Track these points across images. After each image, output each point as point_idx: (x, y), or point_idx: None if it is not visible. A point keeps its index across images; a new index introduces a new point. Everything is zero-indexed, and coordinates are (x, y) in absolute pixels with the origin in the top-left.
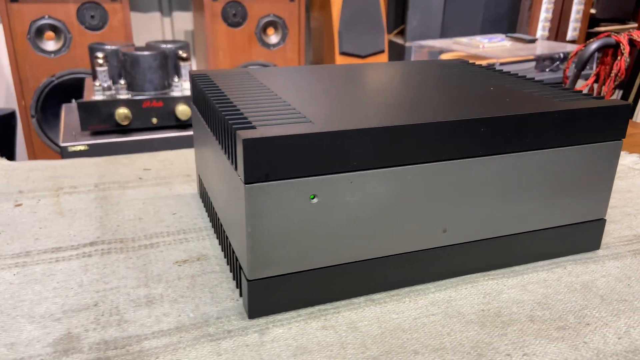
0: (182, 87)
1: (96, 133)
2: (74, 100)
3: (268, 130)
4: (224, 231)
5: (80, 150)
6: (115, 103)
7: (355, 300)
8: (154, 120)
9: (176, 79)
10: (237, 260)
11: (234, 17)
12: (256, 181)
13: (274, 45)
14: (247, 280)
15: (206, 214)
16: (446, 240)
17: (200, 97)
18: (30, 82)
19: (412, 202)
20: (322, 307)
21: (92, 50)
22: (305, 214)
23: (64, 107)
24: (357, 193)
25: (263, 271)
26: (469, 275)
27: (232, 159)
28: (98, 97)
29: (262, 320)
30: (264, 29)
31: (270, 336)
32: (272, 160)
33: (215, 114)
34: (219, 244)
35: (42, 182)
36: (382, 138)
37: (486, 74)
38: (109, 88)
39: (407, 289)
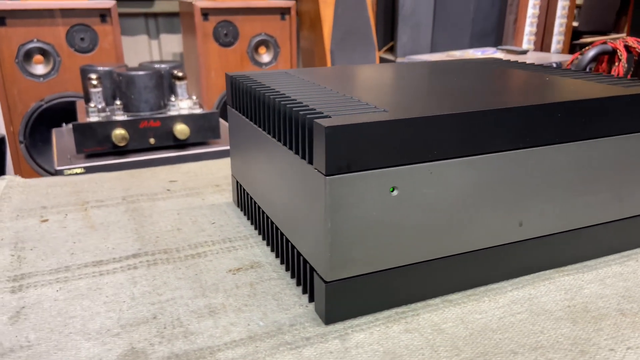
0: (179, 106)
1: (91, 155)
2: (64, 124)
3: (346, 119)
4: (283, 235)
5: (76, 174)
6: (111, 124)
7: (431, 302)
8: (152, 141)
9: (173, 98)
10: (305, 263)
11: (226, 36)
12: (337, 172)
13: (266, 64)
14: (325, 282)
15: (247, 221)
16: (521, 235)
17: (247, 96)
18: (18, 107)
19: (490, 193)
20: (398, 310)
21: (84, 72)
22: (385, 208)
23: (55, 132)
24: (435, 185)
25: (342, 271)
26: (542, 272)
27: (304, 152)
28: (93, 118)
29: (338, 326)
30: (256, 48)
31: (352, 342)
32: (353, 150)
33: (277, 109)
34: (272, 251)
35: (64, 198)
36: (462, 125)
37: (528, 67)
38: (104, 109)
39: (482, 288)
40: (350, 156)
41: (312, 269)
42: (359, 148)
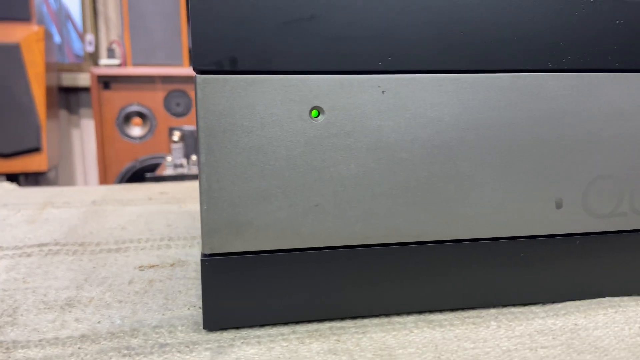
0: None
1: None
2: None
3: None
4: None
5: None
6: (182, 178)
7: (397, 318)
8: None
9: None
10: None
11: None
12: (216, 70)
13: None
14: (202, 257)
15: None
16: (561, 224)
17: None
18: (113, 167)
19: (497, 139)
20: (336, 323)
21: (170, 131)
22: (304, 143)
23: None
24: (393, 113)
25: (228, 240)
26: (607, 299)
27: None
28: (168, 172)
29: (226, 335)
30: None
31: (230, 357)
32: (243, 30)
33: None
34: None
35: (33, 199)
36: (443, 13)
37: None
38: (181, 165)
39: (493, 311)
40: (238, 42)
41: None
42: (255, 28)
